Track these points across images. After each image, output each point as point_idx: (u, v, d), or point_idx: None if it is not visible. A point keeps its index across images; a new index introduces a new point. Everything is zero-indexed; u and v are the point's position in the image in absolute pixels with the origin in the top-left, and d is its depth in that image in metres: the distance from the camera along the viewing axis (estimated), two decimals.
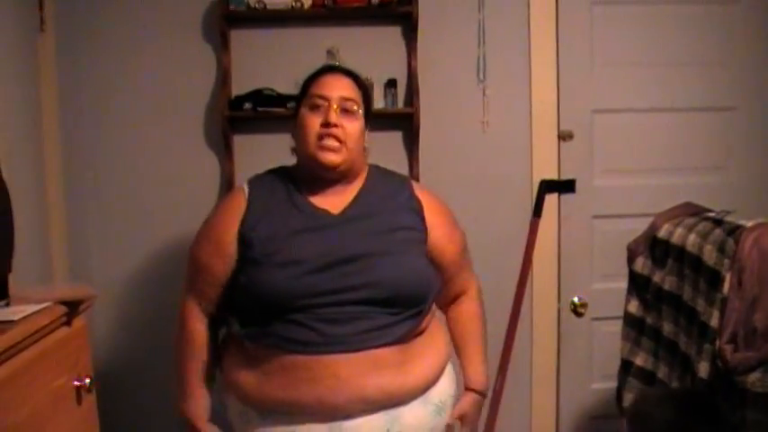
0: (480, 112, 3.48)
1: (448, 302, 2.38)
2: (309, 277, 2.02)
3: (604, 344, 3.44)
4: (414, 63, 3.35)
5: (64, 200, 3.08)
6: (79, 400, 1.97)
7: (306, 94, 2.21)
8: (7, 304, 1.91)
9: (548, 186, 3.27)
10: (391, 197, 2.22)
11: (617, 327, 2.78)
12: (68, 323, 1.98)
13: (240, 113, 3.29)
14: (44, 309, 1.86)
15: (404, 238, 2.14)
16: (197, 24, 3.37)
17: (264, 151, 3.35)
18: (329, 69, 2.26)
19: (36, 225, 2.83)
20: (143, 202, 3.40)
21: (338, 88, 2.17)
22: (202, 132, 3.39)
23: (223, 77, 3.30)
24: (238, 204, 2.19)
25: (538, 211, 3.25)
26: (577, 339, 3.61)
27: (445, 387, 2.19)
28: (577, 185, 3.26)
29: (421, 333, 2.13)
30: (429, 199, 2.27)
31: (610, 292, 3.28)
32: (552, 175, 3.49)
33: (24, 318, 1.75)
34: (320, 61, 3.18)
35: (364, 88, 2.27)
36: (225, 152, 3.34)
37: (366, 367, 1.98)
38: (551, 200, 3.45)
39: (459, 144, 3.46)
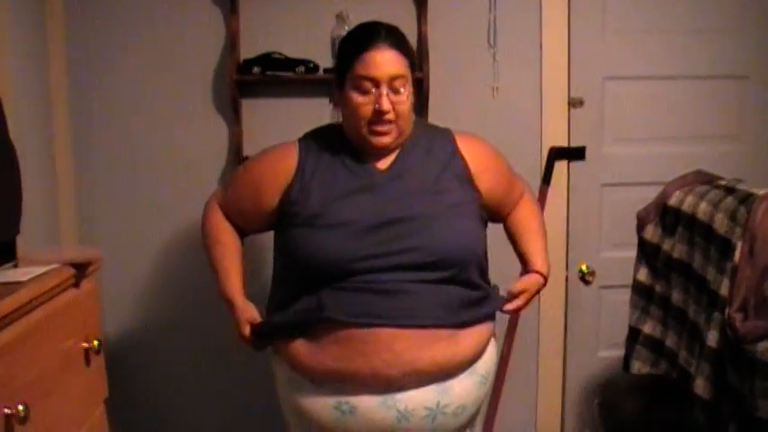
0: (491, 77, 3.44)
1: (506, 215, 2.40)
2: (358, 239, 2.02)
3: (612, 312, 3.44)
4: (424, 28, 3.31)
5: (72, 163, 3.08)
6: (88, 361, 1.99)
7: (348, 69, 2.10)
8: (15, 266, 1.92)
9: (557, 154, 3.26)
10: (436, 153, 2.20)
11: (625, 295, 2.78)
12: (77, 285, 1.98)
13: (249, 77, 3.26)
14: (52, 270, 1.87)
15: (452, 200, 2.13)
16: None
17: (273, 115, 3.35)
18: (372, 43, 2.09)
19: (44, 187, 2.83)
20: (151, 165, 3.38)
21: (386, 67, 2.07)
22: (211, 96, 3.37)
23: (232, 41, 3.27)
24: (289, 164, 2.17)
25: (547, 178, 3.24)
26: (585, 307, 3.60)
27: (490, 357, 2.22)
28: (587, 153, 3.24)
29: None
30: (470, 147, 2.24)
31: (618, 260, 3.27)
32: (562, 142, 3.46)
33: (32, 279, 1.76)
34: (330, 25, 3.17)
35: (409, 52, 2.17)
36: (233, 116, 3.32)
37: (421, 341, 2.00)
38: (561, 167, 3.43)
39: (468, 110, 3.42)
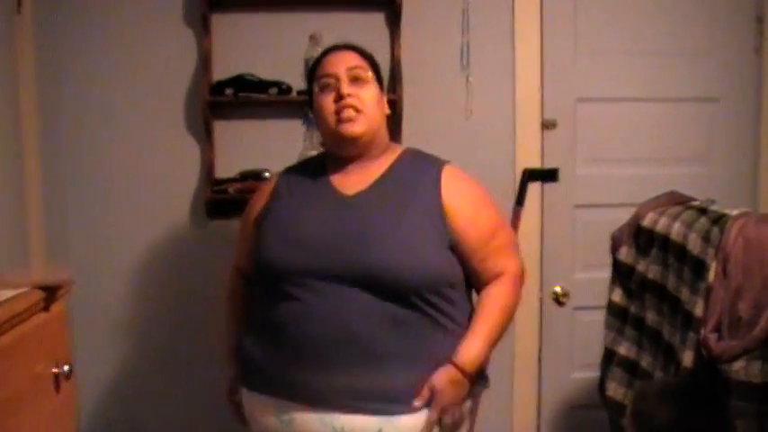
0: (464, 99, 3.46)
1: (482, 288, 2.21)
2: (303, 254, 2.03)
3: (586, 333, 3.44)
4: (397, 50, 3.33)
5: (42, 184, 3.04)
6: (57, 386, 1.95)
7: (314, 80, 2.19)
8: None
9: (531, 175, 3.25)
10: (415, 182, 2.13)
11: (599, 316, 2.78)
12: (46, 309, 1.95)
13: (221, 99, 3.25)
14: (21, 294, 1.84)
15: (416, 225, 2.05)
16: (178, 8, 3.32)
17: (245, 137, 3.34)
18: (331, 50, 2.22)
19: (13, 210, 2.80)
20: (122, 186, 3.36)
21: (343, 61, 2.14)
22: (183, 117, 3.35)
23: (204, 62, 3.27)
24: (267, 190, 2.26)
25: (521, 199, 3.23)
26: (559, 329, 3.61)
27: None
28: (560, 174, 3.24)
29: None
30: (454, 182, 2.15)
31: (592, 281, 3.28)
32: (535, 163, 3.48)
33: (1, 303, 1.73)
34: (303, 47, 3.17)
35: (370, 57, 2.23)
36: (206, 137, 3.30)
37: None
38: (534, 189, 3.44)
39: (442, 132, 3.43)
